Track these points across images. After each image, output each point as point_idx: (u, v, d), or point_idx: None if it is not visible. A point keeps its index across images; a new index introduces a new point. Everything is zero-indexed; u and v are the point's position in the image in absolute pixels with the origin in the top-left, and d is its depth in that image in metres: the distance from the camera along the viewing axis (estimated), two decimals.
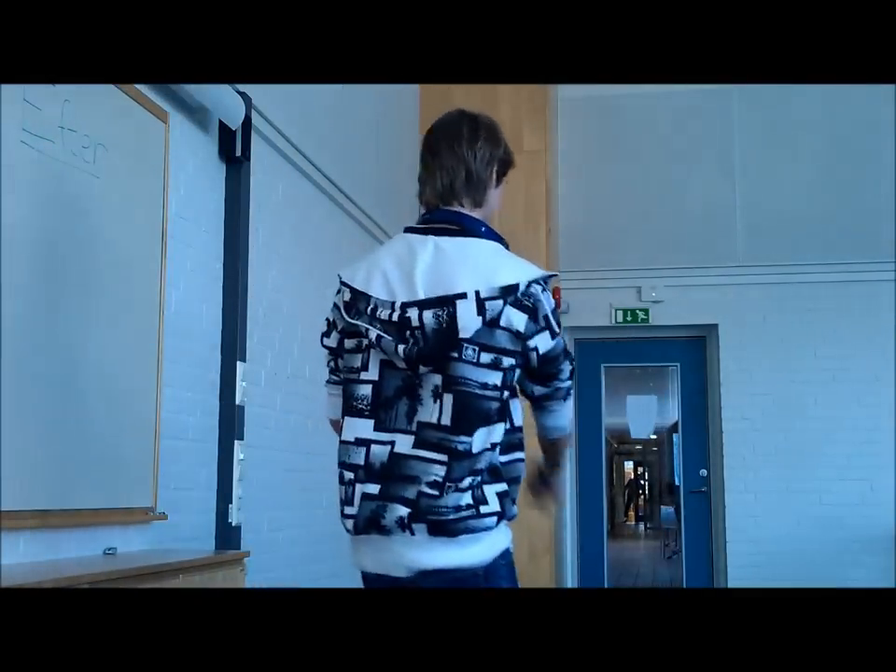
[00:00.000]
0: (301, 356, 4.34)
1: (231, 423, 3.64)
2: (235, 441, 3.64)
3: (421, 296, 1.85)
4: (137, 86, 3.00)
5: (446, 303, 1.82)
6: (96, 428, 2.79)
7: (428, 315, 1.83)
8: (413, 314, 1.84)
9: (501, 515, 1.94)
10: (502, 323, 1.84)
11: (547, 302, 1.89)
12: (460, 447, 1.86)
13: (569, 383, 2.03)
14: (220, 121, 3.60)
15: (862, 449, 6.51)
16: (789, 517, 6.58)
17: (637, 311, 6.97)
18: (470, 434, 1.87)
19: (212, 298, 3.62)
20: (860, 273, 6.64)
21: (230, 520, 3.60)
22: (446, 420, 1.84)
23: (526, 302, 1.85)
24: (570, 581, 6.91)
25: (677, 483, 8.16)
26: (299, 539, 4.31)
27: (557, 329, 1.92)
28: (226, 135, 3.66)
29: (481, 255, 1.90)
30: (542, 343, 1.91)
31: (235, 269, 3.69)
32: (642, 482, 19.82)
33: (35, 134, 2.49)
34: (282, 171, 4.19)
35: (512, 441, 1.99)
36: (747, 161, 6.93)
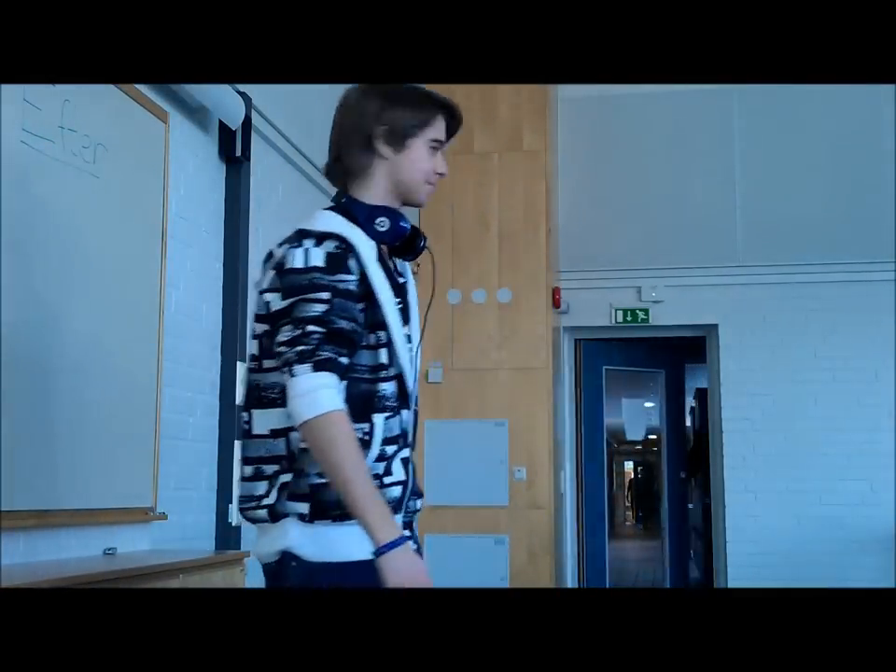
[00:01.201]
0: None
1: (230, 423, 3.64)
2: (235, 441, 3.64)
3: None
4: (137, 86, 3.00)
5: None
6: (96, 428, 2.79)
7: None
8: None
9: (273, 509, 1.70)
10: (259, 288, 1.77)
11: (291, 259, 1.69)
12: (245, 427, 1.77)
13: (290, 352, 1.64)
14: (220, 121, 3.60)
15: (862, 449, 6.51)
16: (789, 517, 6.58)
17: (637, 311, 6.97)
18: (246, 412, 1.76)
19: (212, 298, 3.62)
20: (860, 273, 6.64)
21: (230, 520, 3.60)
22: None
23: (277, 263, 1.73)
24: (570, 581, 6.91)
25: None
26: None
27: (291, 289, 1.67)
28: (226, 135, 3.66)
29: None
30: (275, 297, 1.71)
31: (235, 269, 3.69)
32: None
33: (35, 134, 2.49)
34: (282, 171, 4.19)
35: None
36: (747, 160, 6.93)
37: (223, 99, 3.49)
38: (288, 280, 1.69)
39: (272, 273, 1.74)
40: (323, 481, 1.66)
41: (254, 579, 3.38)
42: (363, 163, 1.84)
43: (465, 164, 6.39)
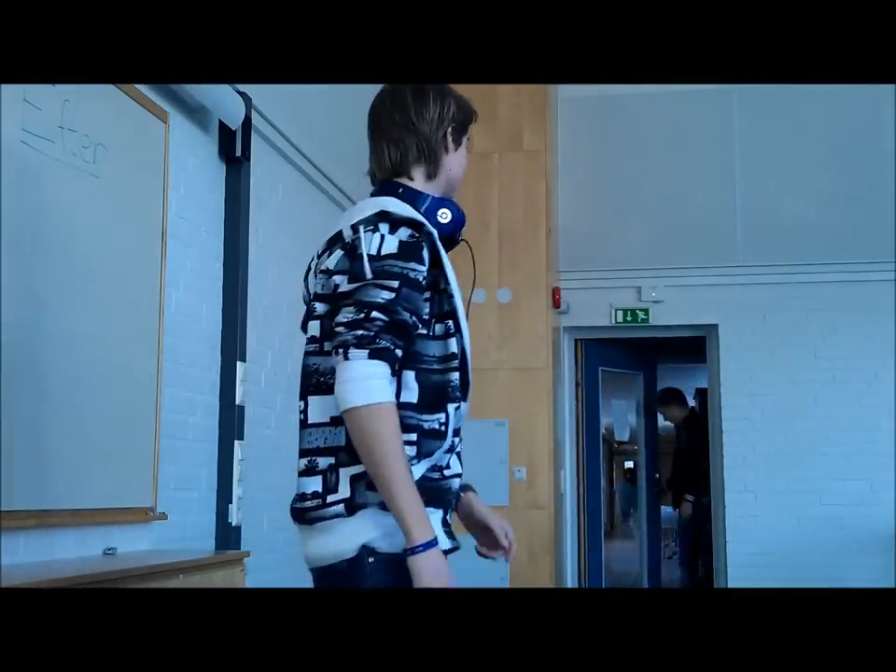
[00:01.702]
0: (301, 356, 4.34)
1: (230, 423, 3.64)
2: (235, 441, 3.64)
3: None
4: (137, 86, 3.00)
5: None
6: (96, 428, 2.79)
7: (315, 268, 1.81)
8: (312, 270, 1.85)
9: (350, 502, 1.65)
10: (322, 267, 1.74)
11: (365, 244, 1.65)
12: (301, 416, 1.75)
13: (349, 335, 1.60)
14: (220, 121, 3.60)
15: (862, 449, 6.51)
16: (789, 517, 6.57)
17: (637, 311, 6.97)
18: (302, 400, 1.75)
19: (212, 298, 3.62)
20: (860, 273, 6.64)
21: (230, 520, 3.60)
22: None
23: (348, 244, 1.69)
24: (570, 581, 6.91)
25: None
26: (299, 538, 4.30)
27: (367, 273, 1.63)
28: (226, 135, 3.66)
29: (357, 207, 1.77)
30: (342, 280, 1.67)
31: (235, 269, 3.69)
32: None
33: (35, 134, 2.49)
34: (282, 171, 4.19)
35: None
36: (747, 160, 6.93)
37: (223, 99, 3.49)
38: (360, 264, 1.64)
39: (340, 254, 1.69)
40: None
41: (254, 579, 3.39)
42: (436, 156, 1.85)
43: None
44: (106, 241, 2.85)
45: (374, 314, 1.61)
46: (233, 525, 3.61)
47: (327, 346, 1.70)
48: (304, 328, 1.83)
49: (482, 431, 6.16)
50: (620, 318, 6.97)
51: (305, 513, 1.72)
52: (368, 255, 1.64)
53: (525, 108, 6.40)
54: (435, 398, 1.74)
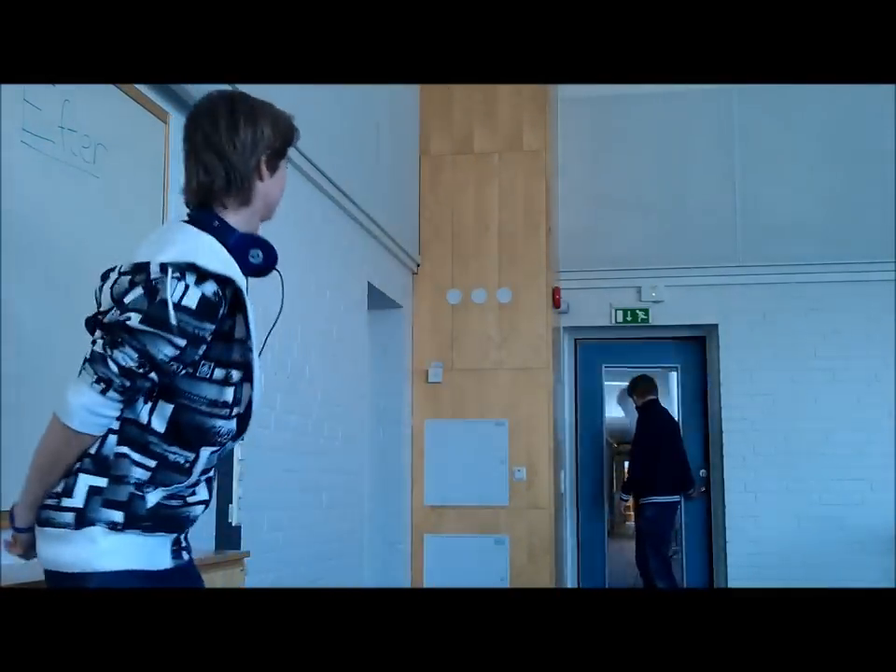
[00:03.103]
0: (301, 356, 4.35)
1: None
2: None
3: None
4: (137, 86, 3.00)
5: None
6: None
7: (113, 282, 1.76)
8: (110, 280, 1.79)
9: (81, 515, 1.67)
10: (116, 294, 1.71)
11: (167, 290, 1.62)
12: None
13: (117, 378, 1.64)
14: None
15: (862, 449, 6.51)
16: (789, 517, 6.58)
17: (637, 311, 6.97)
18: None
19: None
20: (860, 273, 6.64)
21: (230, 520, 3.60)
22: None
23: (151, 282, 1.65)
24: (570, 581, 6.91)
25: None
26: (299, 539, 4.31)
27: (166, 322, 1.63)
28: None
29: (170, 235, 1.75)
30: (135, 316, 1.65)
31: None
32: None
33: (35, 134, 2.49)
34: None
35: (134, 437, 1.70)
36: (747, 161, 6.93)
37: None
38: (158, 310, 1.63)
39: (140, 292, 1.66)
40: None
41: (254, 579, 3.39)
42: (248, 184, 1.81)
43: (465, 164, 6.40)
44: (107, 241, 2.85)
45: (152, 374, 1.65)
46: (233, 524, 3.61)
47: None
48: (89, 328, 1.84)
49: (482, 431, 6.16)
50: (620, 318, 6.97)
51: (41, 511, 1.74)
52: (169, 302, 1.63)
53: (525, 108, 6.40)
54: (191, 436, 1.73)
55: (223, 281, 1.69)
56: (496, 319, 6.24)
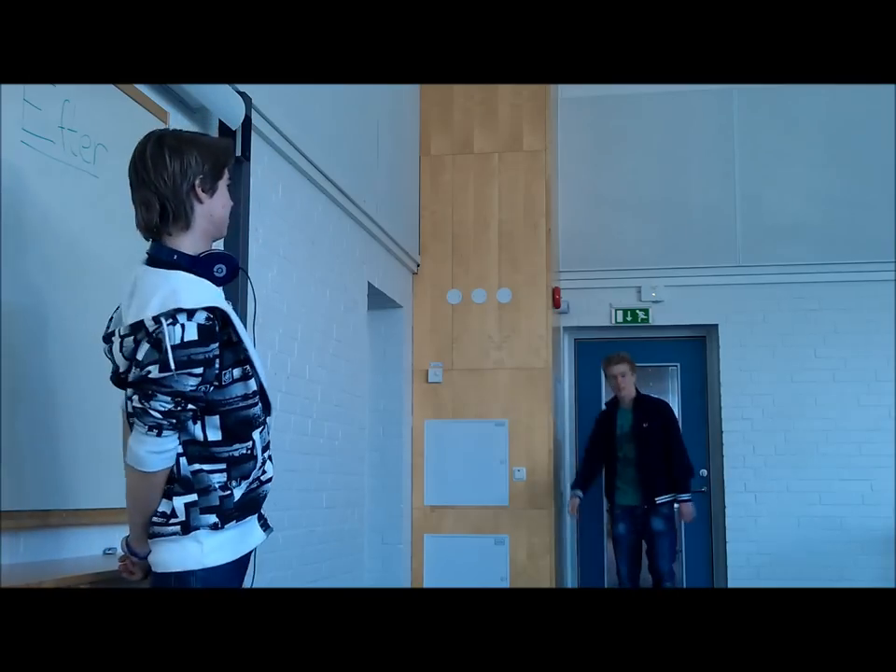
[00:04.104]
0: (300, 356, 4.35)
1: None
2: None
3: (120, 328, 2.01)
4: (137, 86, 3.00)
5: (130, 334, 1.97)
6: (97, 428, 2.78)
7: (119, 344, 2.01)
8: (115, 343, 2.03)
9: (186, 525, 1.97)
10: (128, 354, 1.99)
11: (170, 336, 1.88)
12: None
13: (164, 420, 1.92)
14: (220, 121, 3.60)
15: (862, 449, 6.51)
16: (789, 517, 6.57)
17: (637, 311, 6.96)
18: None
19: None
20: (860, 273, 6.64)
21: None
22: None
23: (152, 336, 1.90)
24: (570, 581, 6.91)
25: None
26: (299, 538, 4.31)
27: (172, 364, 1.88)
28: (226, 135, 3.65)
29: (147, 286, 1.98)
30: (154, 368, 1.91)
31: None
32: None
33: (35, 134, 2.49)
34: (282, 171, 4.19)
35: (200, 453, 2.00)
36: (747, 161, 6.93)
37: (223, 99, 3.49)
38: (167, 356, 1.88)
39: (147, 347, 1.90)
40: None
41: (254, 579, 3.38)
42: (188, 209, 2.02)
43: (465, 164, 6.40)
44: (107, 241, 2.85)
45: (188, 405, 1.93)
46: None
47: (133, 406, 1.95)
48: (117, 384, 2.10)
49: (482, 431, 6.16)
50: (620, 318, 6.97)
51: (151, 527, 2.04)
52: (173, 346, 1.88)
53: (525, 108, 6.40)
54: (241, 430, 2.05)
55: (210, 309, 1.93)
56: (496, 319, 6.24)
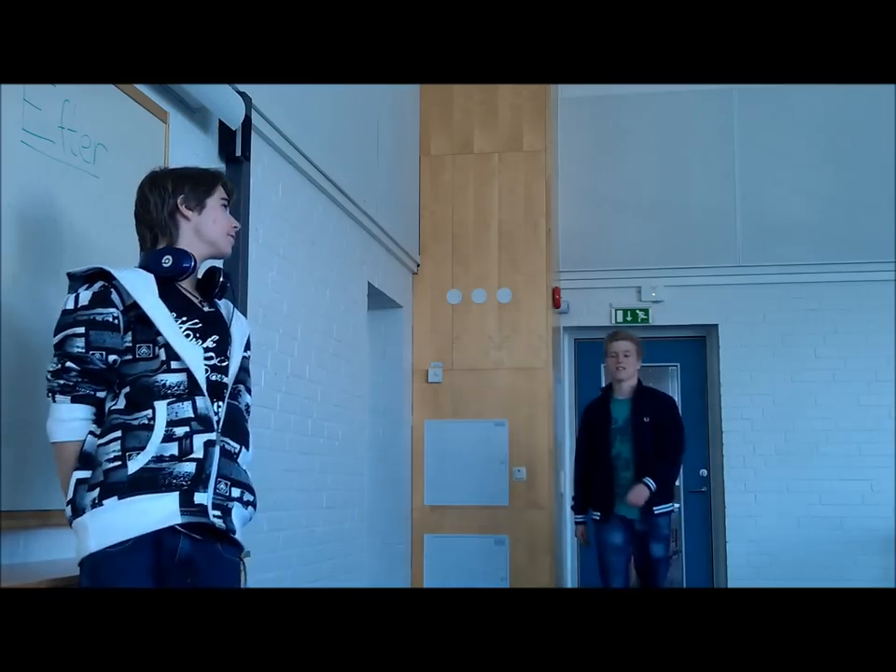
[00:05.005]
0: (300, 356, 4.35)
1: None
2: None
3: None
4: (137, 86, 3.00)
5: None
6: None
7: None
8: None
9: (75, 506, 1.97)
10: None
11: (65, 302, 2.05)
12: None
13: (53, 382, 2.02)
14: (220, 121, 3.60)
15: (862, 449, 6.51)
16: (789, 517, 6.57)
17: (637, 311, 6.97)
18: None
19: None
20: (860, 273, 6.64)
21: None
22: None
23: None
24: (570, 581, 6.91)
25: (676, 483, 8.20)
26: (299, 538, 4.31)
27: (62, 325, 2.04)
28: (226, 135, 3.65)
29: None
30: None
31: (235, 269, 3.69)
32: None
33: (35, 134, 2.49)
34: (282, 171, 4.19)
35: (104, 422, 2.04)
36: (747, 161, 6.93)
37: (223, 99, 3.49)
38: (61, 319, 2.05)
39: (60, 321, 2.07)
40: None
41: (254, 578, 3.38)
42: (173, 226, 2.19)
43: (465, 164, 6.40)
44: (107, 241, 2.85)
45: (69, 363, 2.00)
46: None
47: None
48: None
49: (482, 431, 6.16)
50: (620, 318, 6.97)
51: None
52: (64, 310, 2.04)
53: (525, 108, 6.40)
54: (142, 399, 2.01)
55: (101, 275, 2.07)
56: (496, 319, 6.24)
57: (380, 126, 5.60)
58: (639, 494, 4.56)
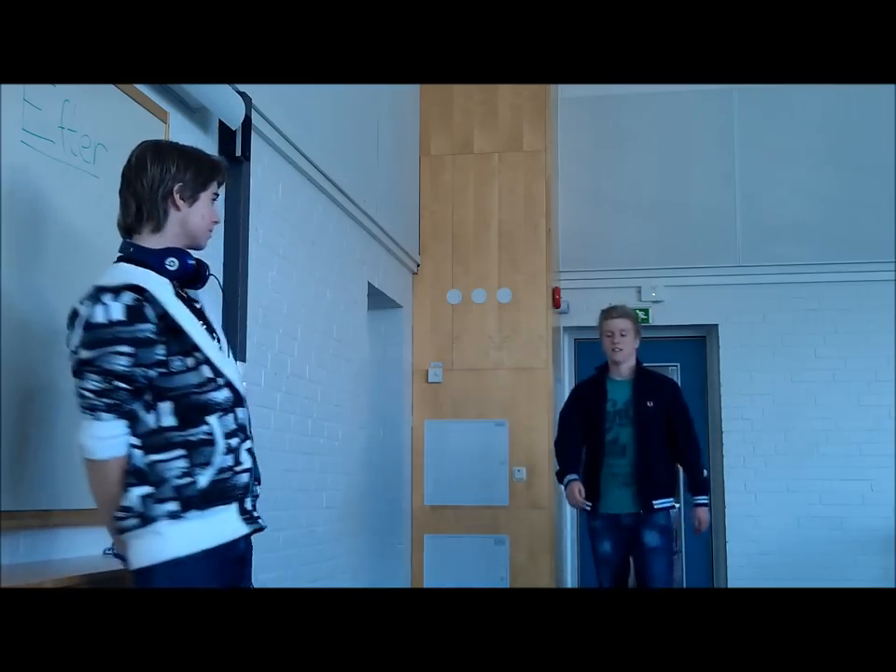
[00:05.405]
0: (300, 356, 4.35)
1: None
2: None
3: None
4: (137, 86, 3.00)
5: None
6: None
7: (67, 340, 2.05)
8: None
9: (143, 517, 1.98)
10: (70, 347, 2.03)
11: (93, 315, 1.95)
12: None
13: (97, 401, 1.98)
14: (220, 121, 3.60)
15: (862, 449, 6.51)
16: (789, 517, 6.57)
17: (637, 311, 6.95)
18: None
19: (212, 297, 3.61)
20: (860, 273, 6.63)
21: None
22: None
23: (83, 320, 1.98)
24: (570, 581, 6.91)
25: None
26: (299, 538, 4.31)
27: (100, 339, 1.95)
28: (226, 135, 3.65)
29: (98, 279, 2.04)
30: (85, 351, 1.97)
31: (235, 269, 3.68)
32: None
33: (35, 134, 2.49)
34: (282, 171, 4.19)
35: (155, 442, 2.02)
36: (747, 161, 6.92)
37: (223, 99, 3.49)
38: (93, 333, 1.95)
39: (80, 331, 1.97)
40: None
41: (254, 579, 3.38)
42: (161, 213, 2.11)
43: (465, 164, 6.40)
44: (107, 241, 2.85)
45: (117, 383, 1.95)
46: None
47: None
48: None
49: (482, 431, 6.16)
50: None
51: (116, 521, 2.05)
52: (95, 324, 1.94)
53: (525, 108, 6.40)
54: (195, 417, 2.03)
55: (134, 289, 1.98)
56: (496, 319, 6.24)
57: (380, 126, 5.60)
58: (703, 517, 4.40)
